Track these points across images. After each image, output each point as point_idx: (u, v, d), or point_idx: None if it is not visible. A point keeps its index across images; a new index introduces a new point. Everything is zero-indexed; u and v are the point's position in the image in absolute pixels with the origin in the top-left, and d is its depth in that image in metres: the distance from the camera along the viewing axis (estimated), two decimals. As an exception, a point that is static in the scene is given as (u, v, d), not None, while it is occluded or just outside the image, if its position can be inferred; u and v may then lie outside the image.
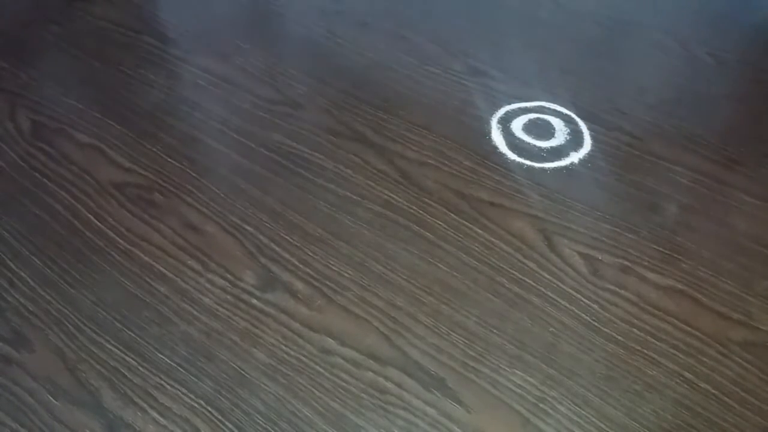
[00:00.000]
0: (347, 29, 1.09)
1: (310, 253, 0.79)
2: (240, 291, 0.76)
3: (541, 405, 0.67)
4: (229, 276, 0.77)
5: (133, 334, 0.72)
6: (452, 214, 0.83)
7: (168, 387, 0.68)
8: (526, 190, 0.85)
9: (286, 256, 0.79)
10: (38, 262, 0.79)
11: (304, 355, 0.71)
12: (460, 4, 1.14)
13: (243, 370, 0.70)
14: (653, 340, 0.71)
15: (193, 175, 0.88)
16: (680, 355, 0.70)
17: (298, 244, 0.80)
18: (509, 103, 0.96)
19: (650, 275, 0.76)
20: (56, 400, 0.68)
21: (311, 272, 0.77)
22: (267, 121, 0.95)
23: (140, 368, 0.70)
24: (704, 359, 0.70)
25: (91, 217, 0.83)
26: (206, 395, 0.68)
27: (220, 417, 0.66)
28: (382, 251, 0.79)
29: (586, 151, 0.90)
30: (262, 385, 0.68)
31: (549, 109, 0.95)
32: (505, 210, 0.83)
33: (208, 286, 0.76)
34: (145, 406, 0.67)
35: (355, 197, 0.85)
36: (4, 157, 0.91)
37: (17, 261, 0.79)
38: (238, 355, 0.71)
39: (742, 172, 0.87)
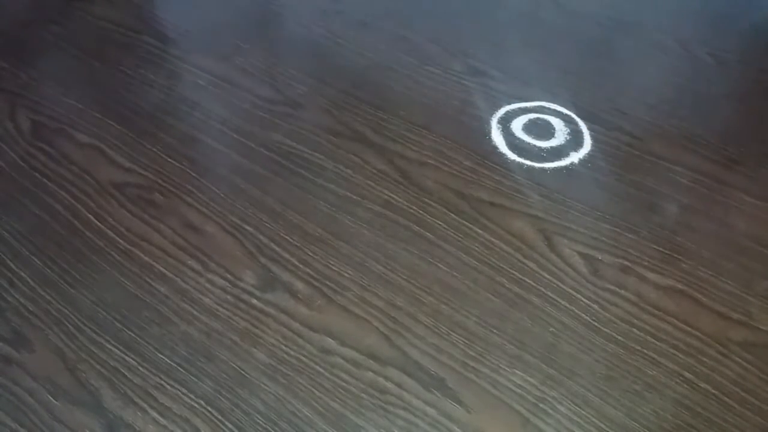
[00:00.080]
0: (347, 29, 1.09)
1: (310, 253, 0.79)
2: (240, 291, 0.76)
3: (541, 405, 0.67)
4: (229, 276, 0.77)
5: (133, 334, 0.72)
6: (452, 214, 0.83)
7: (168, 387, 0.68)
8: (526, 190, 0.85)
9: (286, 256, 0.79)
10: (38, 262, 0.79)
11: (304, 355, 0.71)
12: (460, 4, 1.14)
13: (243, 370, 0.70)
14: (653, 340, 0.71)
15: (193, 175, 0.88)
16: (680, 355, 0.70)
17: (298, 244, 0.80)
18: (509, 103, 0.96)
19: (650, 275, 0.76)
20: (56, 400, 0.68)
21: (311, 272, 0.77)
22: (267, 121, 0.95)
23: (140, 368, 0.70)
24: (704, 359, 0.70)
25: (91, 217, 0.83)
26: (206, 395, 0.68)
27: (220, 417, 0.66)
28: (382, 251, 0.79)
29: (586, 151, 0.90)
30: (262, 385, 0.68)
31: (549, 109, 0.95)
32: (505, 210, 0.83)
33: (208, 286, 0.76)
34: (145, 406, 0.67)
35: (355, 197, 0.85)
36: (4, 157, 0.91)
37: (17, 261, 0.79)
38: (238, 355, 0.71)
39: (742, 172, 0.87)
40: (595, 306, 0.74)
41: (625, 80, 1.01)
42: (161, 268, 0.78)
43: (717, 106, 0.98)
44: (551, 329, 0.72)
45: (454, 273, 0.77)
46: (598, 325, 0.72)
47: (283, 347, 0.71)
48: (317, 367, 0.70)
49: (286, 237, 0.81)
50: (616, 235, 0.80)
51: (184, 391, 0.68)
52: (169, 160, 0.90)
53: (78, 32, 1.11)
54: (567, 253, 0.79)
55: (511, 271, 0.77)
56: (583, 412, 0.66)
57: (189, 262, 0.79)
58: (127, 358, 0.71)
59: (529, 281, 0.76)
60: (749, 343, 0.71)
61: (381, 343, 0.71)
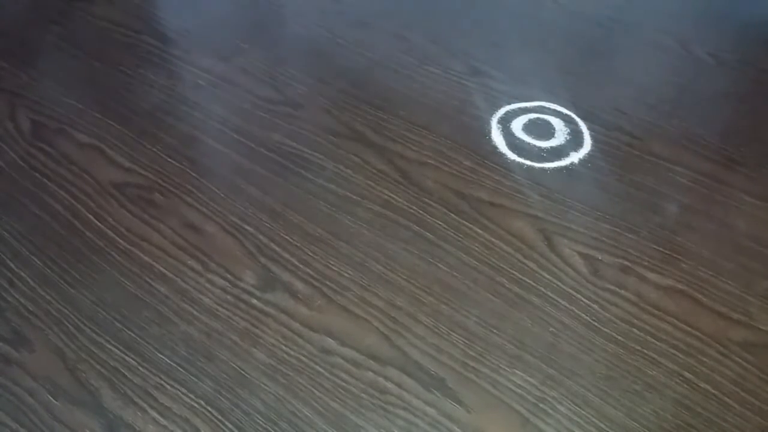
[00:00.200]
0: (347, 29, 1.09)
1: (310, 253, 0.79)
2: (240, 291, 0.76)
3: (541, 405, 0.67)
4: (229, 276, 0.77)
5: (133, 334, 0.72)
6: (452, 214, 0.83)
7: (168, 387, 0.68)
8: (526, 190, 0.85)
9: (286, 256, 0.79)
10: (38, 262, 0.79)
11: (304, 355, 0.71)
12: (460, 4, 1.14)
13: (243, 370, 0.70)
14: (653, 340, 0.71)
15: (193, 175, 0.88)
16: (680, 355, 0.70)
17: (298, 244, 0.80)
18: (509, 103, 0.96)
19: (650, 275, 0.76)
20: (56, 400, 0.68)
21: (311, 272, 0.77)
22: (267, 121, 0.95)
23: (140, 368, 0.70)
24: (704, 359, 0.70)
25: (91, 217, 0.83)
26: (206, 395, 0.68)
27: (220, 417, 0.66)
28: (382, 251, 0.79)
29: (586, 151, 0.90)
30: (262, 385, 0.68)
31: (549, 109, 0.95)
32: (505, 210, 0.83)
33: (208, 286, 0.76)
34: (145, 406, 0.67)
35: (355, 197, 0.85)
36: (4, 157, 0.91)
37: (17, 261, 0.79)
38: (238, 355, 0.71)
39: (742, 172, 0.87)
40: (595, 306, 0.74)
41: (625, 80, 1.01)
42: (161, 268, 0.78)
43: (717, 106, 0.98)
44: (551, 329, 0.72)
45: (454, 273, 0.77)
46: (598, 325, 0.72)
47: (283, 347, 0.71)
48: (317, 367, 0.70)
49: (286, 237, 0.81)
50: (616, 235, 0.80)
51: (184, 391, 0.68)
52: (169, 160, 0.90)
53: (78, 32, 1.11)
54: (567, 253, 0.79)
55: (511, 271, 0.77)
56: (583, 412, 0.66)
57: (189, 262, 0.79)
58: (127, 358, 0.71)
59: (529, 281, 0.76)
60: (749, 343, 0.71)
61: (381, 343, 0.71)
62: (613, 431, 0.65)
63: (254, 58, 1.04)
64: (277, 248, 0.80)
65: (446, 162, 0.89)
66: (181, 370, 0.70)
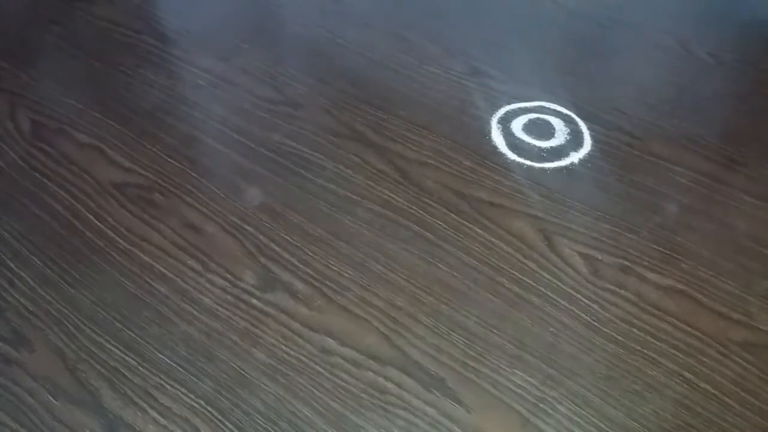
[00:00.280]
0: (347, 29, 1.09)
1: (310, 253, 0.79)
2: (240, 291, 0.76)
3: (541, 405, 0.67)
4: (229, 276, 0.77)
5: (133, 334, 0.72)
6: (452, 214, 0.83)
7: (168, 387, 0.68)
8: (526, 190, 0.85)
9: (286, 256, 0.79)
10: (38, 262, 0.79)
11: (304, 355, 0.71)
12: (460, 4, 1.14)
13: (243, 370, 0.70)
14: (653, 340, 0.71)
15: (193, 175, 0.88)
16: (680, 355, 0.70)
17: (298, 244, 0.80)
18: (509, 103, 0.96)
19: (650, 275, 0.76)
20: (56, 400, 0.68)
21: (311, 272, 0.77)
22: (267, 121, 0.95)
23: (140, 368, 0.70)
24: (704, 359, 0.70)
25: (91, 217, 0.83)
26: (206, 395, 0.68)
27: (220, 417, 0.66)
28: (382, 251, 0.79)
29: (586, 151, 0.90)
30: (262, 385, 0.68)
31: (549, 109, 0.95)
32: (505, 210, 0.83)
33: (208, 286, 0.76)
34: (145, 406, 0.67)
35: (355, 197, 0.85)
36: (4, 157, 0.91)
37: (17, 261, 0.79)
38: (238, 355, 0.71)
39: (742, 172, 0.87)
40: (595, 306, 0.74)
41: (625, 80, 1.01)
42: (161, 268, 0.78)
43: (717, 106, 0.98)
44: (551, 329, 0.72)
45: (454, 273, 0.77)
46: (598, 325, 0.72)
47: (283, 347, 0.71)
48: (317, 367, 0.70)
49: (286, 237, 0.81)
50: (616, 235, 0.80)
51: (184, 391, 0.68)
52: (169, 160, 0.90)
53: (78, 32, 1.11)
54: (567, 253, 0.79)
55: (511, 271, 0.77)
56: (583, 412, 0.66)
57: (189, 262, 0.79)
58: (127, 358, 0.71)
59: (529, 281, 0.76)
60: (749, 343, 0.71)
61: (381, 343, 0.71)
62: (613, 431, 0.65)
63: (254, 58, 1.04)
64: (277, 248, 0.80)
65: (446, 162, 0.89)
66: (181, 370, 0.70)
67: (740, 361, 0.69)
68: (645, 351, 0.70)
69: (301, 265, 0.78)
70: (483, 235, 0.80)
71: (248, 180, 0.87)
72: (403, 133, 0.93)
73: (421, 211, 0.83)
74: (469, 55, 1.04)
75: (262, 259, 0.79)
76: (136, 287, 0.76)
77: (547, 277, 0.76)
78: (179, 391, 0.68)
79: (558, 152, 0.90)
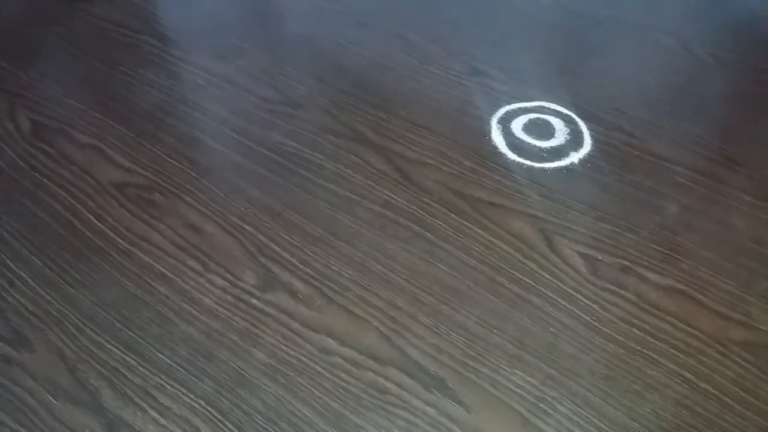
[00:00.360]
0: (347, 29, 1.09)
1: (310, 253, 0.79)
2: (240, 291, 0.76)
3: (541, 405, 0.67)
4: (229, 276, 0.77)
5: (133, 334, 0.72)
6: (452, 214, 0.83)
7: (168, 387, 0.68)
8: (526, 190, 0.85)
9: (286, 256, 0.79)
10: (38, 262, 0.79)
11: (304, 355, 0.71)
12: (460, 4, 1.14)
13: (243, 370, 0.70)
14: (653, 340, 0.71)
15: (193, 175, 0.88)
16: (680, 355, 0.70)
17: (298, 244, 0.80)
18: (509, 103, 0.96)
19: (650, 275, 0.76)
20: (56, 400, 0.68)
21: (311, 272, 0.77)
22: (267, 121, 0.95)
23: (140, 368, 0.70)
24: (704, 359, 0.70)
25: (91, 217, 0.83)
26: (206, 395, 0.68)
27: (220, 417, 0.66)
28: (382, 251, 0.79)
29: (586, 151, 0.89)
30: (262, 385, 0.68)
31: (549, 109, 0.95)
32: (505, 210, 0.83)
33: (208, 286, 0.76)
34: (145, 406, 0.67)
35: (355, 197, 0.85)
36: (4, 157, 0.91)
37: (17, 261, 0.79)
38: (238, 355, 0.71)
39: (742, 172, 0.87)
40: (595, 306, 0.74)
41: (625, 80, 1.01)
42: (161, 268, 0.78)
43: (717, 106, 0.98)
44: (551, 329, 0.72)
45: (454, 273, 0.77)
46: (598, 325, 0.72)
47: (283, 347, 0.71)
48: (317, 367, 0.70)
49: (286, 237, 0.81)
50: (616, 235, 0.80)
51: (184, 391, 0.68)
52: (169, 160, 0.90)
53: (78, 32, 1.11)
54: (567, 253, 0.79)
55: (511, 271, 0.77)
56: (583, 412, 0.66)
57: (189, 262, 0.79)
58: (127, 358, 0.71)
59: (529, 281, 0.76)
60: (749, 343, 0.71)
61: (381, 343, 0.71)
62: (613, 431, 0.65)
63: (254, 58, 1.04)
64: (277, 248, 0.80)
65: (446, 162, 0.89)
66: (181, 370, 0.70)
67: (740, 361, 0.69)
68: (645, 351, 0.70)
69: (301, 265, 0.78)
70: (483, 235, 0.80)
71: (248, 180, 0.87)
72: (403, 133, 0.93)
73: (421, 211, 0.83)
74: (469, 55, 1.04)
75: (262, 259, 0.79)
76: (136, 287, 0.76)
77: (547, 277, 0.76)
78: (179, 391, 0.68)
79: (558, 152, 0.90)
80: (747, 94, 1.00)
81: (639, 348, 0.70)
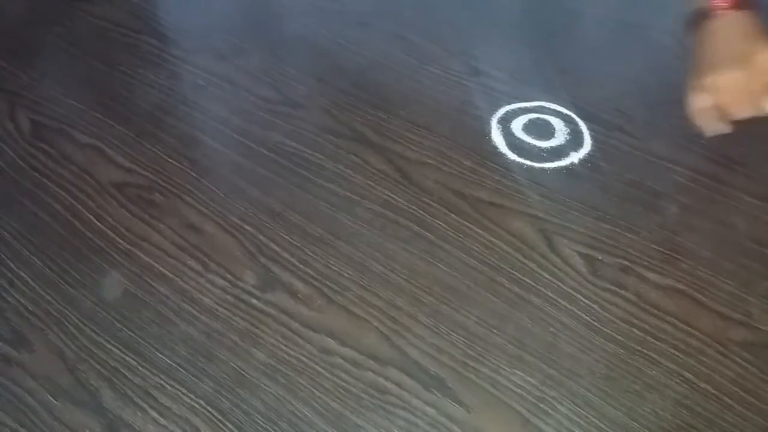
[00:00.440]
0: (347, 29, 1.09)
1: (310, 253, 0.79)
2: (240, 291, 0.76)
3: (541, 405, 0.67)
4: (229, 276, 0.77)
5: (133, 334, 0.72)
6: (452, 214, 0.83)
7: (168, 387, 0.68)
8: (526, 190, 0.85)
9: (286, 256, 0.79)
10: (38, 262, 0.79)
11: (304, 355, 0.71)
12: (460, 4, 1.14)
13: (243, 370, 0.70)
14: (653, 340, 0.71)
15: (193, 175, 0.88)
16: (680, 355, 0.70)
17: (298, 244, 0.80)
18: (509, 103, 0.96)
19: (650, 275, 0.76)
20: (56, 400, 0.68)
21: (311, 272, 0.77)
22: (267, 121, 0.95)
23: (140, 368, 0.70)
24: (704, 359, 0.70)
25: (91, 217, 0.83)
26: (206, 395, 0.68)
27: (220, 417, 0.66)
28: (382, 251, 0.79)
29: (586, 151, 0.89)
30: (262, 385, 0.68)
31: (549, 109, 0.95)
32: (505, 210, 0.83)
33: (208, 286, 0.76)
34: (145, 406, 0.67)
35: (355, 197, 0.85)
36: (4, 157, 0.91)
37: (17, 261, 0.79)
38: (238, 355, 0.71)
39: (742, 172, 0.87)
40: (595, 306, 0.74)
41: (625, 80, 1.01)
42: (161, 268, 0.78)
43: (717, 106, 0.98)
44: (551, 329, 0.72)
45: (454, 273, 0.77)
46: (598, 325, 0.72)
47: (283, 347, 0.71)
48: (317, 367, 0.70)
49: (286, 237, 0.81)
50: (616, 235, 0.80)
51: (184, 391, 0.68)
52: (169, 160, 0.90)
53: (78, 32, 1.11)
54: (567, 253, 0.79)
55: (511, 271, 0.77)
56: (583, 412, 0.66)
57: (189, 262, 0.79)
58: (127, 358, 0.71)
59: (529, 281, 0.76)
60: (749, 343, 0.71)
61: (381, 343, 0.71)
62: (613, 431, 0.65)
63: (254, 58, 1.04)
64: (277, 248, 0.80)
65: (446, 162, 0.89)
66: (181, 370, 0.70)
67: (740, 361, 0.69)
68: (645, 351, 0.70)
69: (301, 265, 0.78)
70: (483, 235, 0.80)
71: (248, 180, 0.87)
72: (403, 133, 0.93)
73: (421, 211, 0.83)
74: (469, 55, 1.04)
75: (262, 259, 0.79)
76: (136, 287, 0.76)
77: (547, 277, 0.76)
78: (179, 391, 0.68)
79: (558, 152, 0.90)
80: (747, 94, 1.00)
81: (639, 348, 0.70)
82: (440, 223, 0.82)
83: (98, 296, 0.76)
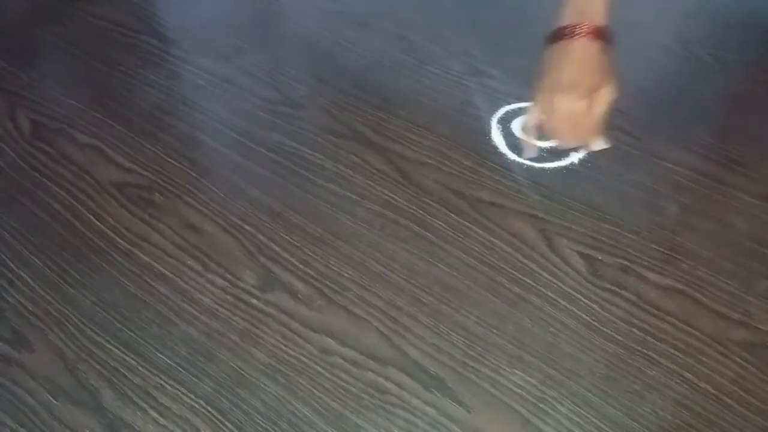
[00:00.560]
0: (347, 29, 1.09)
1: (310, 253, 0.79)
2: (240, 291, 0.76)
3: (541, 405, 0.67)
4: (229, 276, 0.77)
5: (133, 334, 0.72)
6: (452, 214, 0.83)
7: (168, 387, 0.68)
8: (526, 190, 0.85)
9: (286, 256, 0.79)
10: (38, 262, 0.79)
11: (304, 355, 0.71)
12: (460, 4, 1.14)
13: (243, 370, 0.70)
14: (653, 340, 0.71)
15: (193, 175, 0.88)
16: (680, 355, 0.70)
17: (298, 244, 0.80)
18: (509, 103, 0.96)
19: (650, 275, 0.76)
20: (56, 400, 0.68)
21: (311, 272, 0.77)
22: (267, 121, 0.95)
23: (140, 368, 0.70)
24: (704, 359, 0.70)
25: (91, 217, 0.84)
26: (206, 395, 0.68)
27: (220, 417, 0.66)
28: (382, 251, 0.79)
29: (586, 151, 0.89)
30: (262, 385, 0.68)
31: (549, 109, 0.95)
32: (505, 210, 0.83)
33: (208, 286, 0.76)
34: (145, 406, 0.67)
35: (355, 197, 0.85)
36: (4, 157, 0.91)
37: (17, 261, 0.79)
38: (238, 355, 0.71)
39: (742, 172, 0.87)
40: (595, 306, 0.74)
41: (625, 80, 1.01)
42: (161, 268, 0.78)
43: (717, 106, 0.98)
44: (551, 329, 0.72)
45: (454, 273, 0.77)
46: (598, 325, 0.72)
47: (283, 347, 0.71)
48: (317, 367, 0.70)
49: (286, 237, 0.81)
50: (616, 235, 0.80)
51: (184, 391, 0.68)
52: (169, 160, 0.90)
53: (78, 32, 1.11)
54: (567, 253, 0.79)
55: (511, 271, 0.77)
56: (583, 412, 0.66)
57: (189, 262, 0.79)
58: (127, 358, 0.71)
59: (529, 281, 0.76)
60: (749, 343, 0.71)
61: (381, 343, 0.71)
62: (613, 431, 0.65)
63: (254, 58, 1.04)
64: (277, 248, 0.80)
65: (446, 162, 0.89)
66: (181, 370, 0.70)
67: (740, 361, 0.69)
68: (645, 351, 0.70)
69: (301, 265, 0.78)
70: (483, 235, 0.80)
71: (248, 180, 0.87)
72: (403, 133, 0.93)
73: (421, 211, 0.83)
74: (469, 55, 1.04)
75: (262, 259, 0.79)
76: (136, 287, 0.76)
77: (547, 277, 0.76)
78: (179, 391, 0.68)
79: (558, 152, 0.89)
80: (747, 94, 1.00)
81: (639, 348, 0.70)
82: (440, 223, 0.82)
83: (98, 296, 0.76)
